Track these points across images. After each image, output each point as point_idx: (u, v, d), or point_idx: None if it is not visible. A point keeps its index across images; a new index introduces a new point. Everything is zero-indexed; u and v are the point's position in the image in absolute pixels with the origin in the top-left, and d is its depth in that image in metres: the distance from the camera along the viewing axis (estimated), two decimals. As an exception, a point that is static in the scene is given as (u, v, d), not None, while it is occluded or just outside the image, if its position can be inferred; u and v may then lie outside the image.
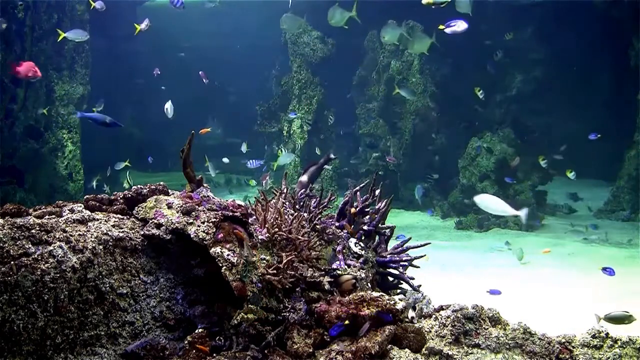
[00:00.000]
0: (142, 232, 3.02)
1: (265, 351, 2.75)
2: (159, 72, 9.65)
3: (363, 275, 3.42)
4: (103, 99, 10.80)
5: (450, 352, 2.85)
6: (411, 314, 3.29)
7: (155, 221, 3.00)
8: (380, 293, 3.04)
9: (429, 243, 3.97)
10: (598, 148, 13.57)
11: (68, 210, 3.00)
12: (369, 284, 3.51)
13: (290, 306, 2.92)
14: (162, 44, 16.19)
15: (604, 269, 6.46)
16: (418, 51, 10.97)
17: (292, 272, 3.00)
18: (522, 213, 5.32)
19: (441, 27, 7.48)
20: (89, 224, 2.90)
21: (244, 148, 11.22)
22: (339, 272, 3.26)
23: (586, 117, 14.29)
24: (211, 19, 17.27)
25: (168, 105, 5.96)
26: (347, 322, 2.79)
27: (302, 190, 4.12)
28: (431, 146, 13.23)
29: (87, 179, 11.62)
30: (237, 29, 17.29)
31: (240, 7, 17.21)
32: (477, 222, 11.31)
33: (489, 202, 5.32)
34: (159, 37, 15.48)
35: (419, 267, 3.85)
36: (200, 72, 10.13)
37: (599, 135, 10.99)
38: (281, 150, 10.83)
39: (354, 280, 3.22)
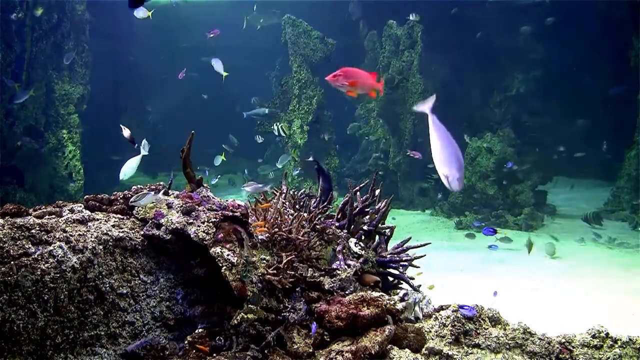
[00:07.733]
0: (142, 232, 3.02)
1: (265, 351, 2.75)
2: (184, 74, 9.53)
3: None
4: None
5: (450, 352, 2.85)
6: (418, 312, 3.28)
7: (155, 221, 3.00)
8: (380, 293, 3.03)
9: (429, 243, 3.97)
10: (598, 148, 13.58)
11: (68, 210, 3.00)
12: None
13: (290, 306, 2.92)
14: (161, 43, 16.18)
15: (485, 230, 6.83)
16: None
17: (292, 272, 3.00)
18: (143, 148, 5.18)
19: None
20: (89, 224, 2.90)
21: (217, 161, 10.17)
22: (339, 272, 3.26)
23: (586, 117, 14.28)
24: (211, 19, 17.25)
25: (143, 151, 5.57)
26: (346, 322, 2.79)
27: (302, 190, 4.11)
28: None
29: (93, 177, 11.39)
30: (237, 28, 17.27)
31: (240, 7, 17.19)
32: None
33: (127, 165, 5.07)
34: (157, 37, 15.49)
35: (419, 267, 3.85)
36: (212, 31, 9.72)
37: (514, 167, 11.37)
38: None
39: (377, 278, 3.33)
